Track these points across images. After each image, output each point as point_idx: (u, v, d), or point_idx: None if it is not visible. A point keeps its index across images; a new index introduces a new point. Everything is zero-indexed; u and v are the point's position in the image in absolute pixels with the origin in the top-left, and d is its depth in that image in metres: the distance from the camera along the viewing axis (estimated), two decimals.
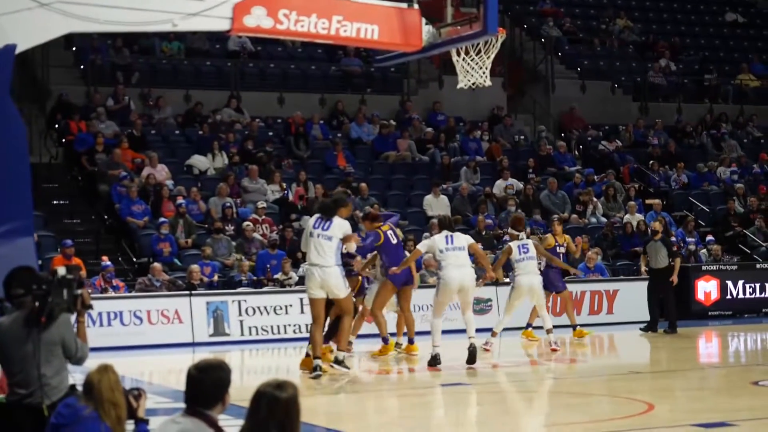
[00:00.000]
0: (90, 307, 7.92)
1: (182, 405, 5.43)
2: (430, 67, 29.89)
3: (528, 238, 17.71)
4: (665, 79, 32.63)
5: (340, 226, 13.46)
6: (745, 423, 10.19)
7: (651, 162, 28.49)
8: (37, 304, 7.59)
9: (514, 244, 17.09)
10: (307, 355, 14.33)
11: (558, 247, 19.08)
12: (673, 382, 14.22)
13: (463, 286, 14.69)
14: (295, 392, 4.98)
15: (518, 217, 18.35)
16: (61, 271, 7.73)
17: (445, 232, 14.89)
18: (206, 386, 5.36)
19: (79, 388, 6.73)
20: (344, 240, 13.50)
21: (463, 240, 14.97)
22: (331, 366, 13.89)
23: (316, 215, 13.70)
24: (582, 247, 22.22)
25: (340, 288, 13.44)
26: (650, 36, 34.72)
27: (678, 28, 36.10)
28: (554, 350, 16.99)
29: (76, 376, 7.69)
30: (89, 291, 8.18)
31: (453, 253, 14.70)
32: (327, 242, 13.35)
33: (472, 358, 14.67)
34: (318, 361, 13.66)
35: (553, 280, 18.78)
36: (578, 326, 19.05)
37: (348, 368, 13.97)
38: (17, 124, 9.80)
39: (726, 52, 35.51)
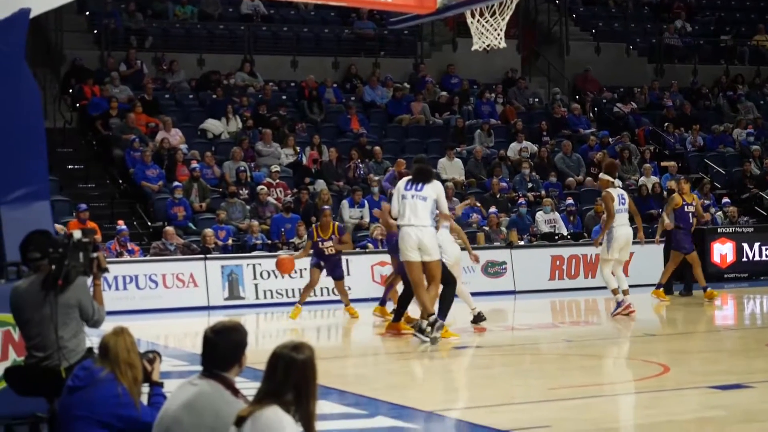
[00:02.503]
0: (106, 270, 7.97)
1: (198, 368, 5.46)
2: (443, 30, 29.78)
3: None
4: (681, 40, 32.46)
5: (434, 187, 13.30)
6: (760, 385, 10.21)
7: (666, 124, 28.40)
8: (53, 267, 7.63)
9: (614, 192, 16.17)
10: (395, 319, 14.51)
11: (686, 206, 18.79)
12: (688, 345, 14.23)
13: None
14: (311, 354, 5.01)
15: (613, 162, 17.64)
16: (77, 234, 7.77)
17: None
18: (223, 348, 5.40)
19: (96, 351, 6.78)
20: (439, 212, 13.43)
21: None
22: (414, 335, 13.48)
23: (406, 179, 13.46)
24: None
25: (434, 250, 13.19)
26: None
27: None
28: (632, 312, 16.20)
29: (92, 339, 7.75)
30: (105, 254, 8.22)
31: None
32: (422, 203, 13.16)
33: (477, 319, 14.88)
34: (424, 323, 13.33)
35: (681, 242, 18.61)
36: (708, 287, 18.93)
37: (427, 339, 13.34)
38: (32, 89, 9.80)
39: (742, 13, 35.26)
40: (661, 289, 19.05)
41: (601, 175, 16.83)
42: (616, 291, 16.26)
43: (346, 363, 12.85)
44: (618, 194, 16.18)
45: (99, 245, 8.46)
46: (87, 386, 6.18)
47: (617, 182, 16.51)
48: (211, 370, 5.40)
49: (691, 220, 18.91)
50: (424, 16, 11.42)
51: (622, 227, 16.09)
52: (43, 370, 7.60)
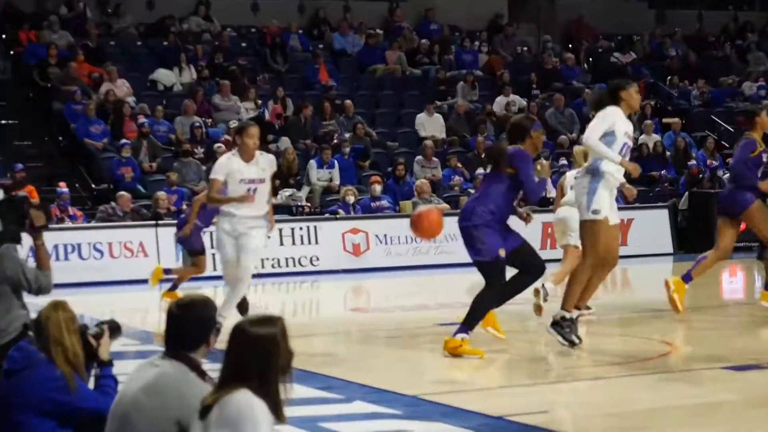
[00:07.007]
0: (44, 227, 7.81)
1: (150, 347, 5.33)
2: None
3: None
4: None
5: None
6: None
7: (669, 76, 28.42)
8: None
9: None
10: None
11: None
12: (696, 322, 14.15)
13: None
14: (275, 329, 4.83)
15: None
16: None
17: None
18: (189, 326, 5.28)
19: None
20: None
21: None
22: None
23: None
24: None
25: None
26: None
27: None
28: None
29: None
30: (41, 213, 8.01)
31: None
32: None
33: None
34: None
35: None
36: None
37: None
38: None
39: None
40: None
41: None
42: None
43: (314, 342, 12.74)
44: None
45: (33, 202, 8.30)
46: (24, 369, 6.08)
47: None
48: (175, 350, 5.27)
49: None
50: None
51: None
52: None
